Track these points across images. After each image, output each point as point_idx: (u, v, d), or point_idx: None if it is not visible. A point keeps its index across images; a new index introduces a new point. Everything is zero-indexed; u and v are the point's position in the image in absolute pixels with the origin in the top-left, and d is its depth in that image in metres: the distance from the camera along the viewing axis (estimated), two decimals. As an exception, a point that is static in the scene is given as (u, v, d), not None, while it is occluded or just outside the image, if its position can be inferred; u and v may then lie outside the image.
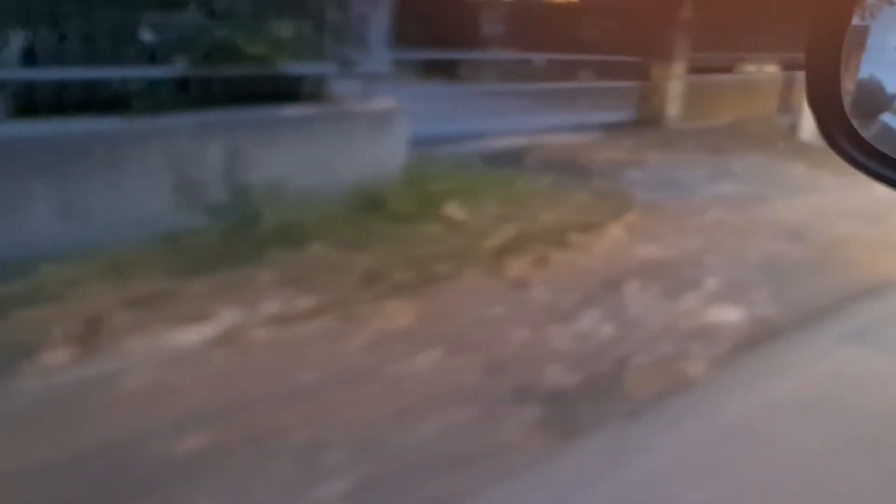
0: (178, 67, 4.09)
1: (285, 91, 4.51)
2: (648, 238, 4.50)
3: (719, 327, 3.27)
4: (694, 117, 8.52)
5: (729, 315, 3.39)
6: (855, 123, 0.68)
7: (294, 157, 4.42)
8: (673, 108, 8.59)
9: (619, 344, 3.05)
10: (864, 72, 0.67)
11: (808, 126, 7.53)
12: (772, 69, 9.70)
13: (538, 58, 11.20)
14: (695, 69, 8.71)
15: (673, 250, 4.33)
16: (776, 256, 4.30)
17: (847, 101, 0.68)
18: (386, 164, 4.81)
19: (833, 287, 3.82)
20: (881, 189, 0.68)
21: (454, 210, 4.53)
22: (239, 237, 3.76)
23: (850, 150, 0.68)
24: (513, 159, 6.27)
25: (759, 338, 3.19)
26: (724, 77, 9.42)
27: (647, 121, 8.42)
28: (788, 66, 9.03)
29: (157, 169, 3.92)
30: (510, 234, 4.28)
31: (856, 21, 0.67)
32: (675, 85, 8.65)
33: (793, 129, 7.98)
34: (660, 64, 8.60)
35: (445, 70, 10.32)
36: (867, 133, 0.68)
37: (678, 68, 8.62)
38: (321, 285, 3.35)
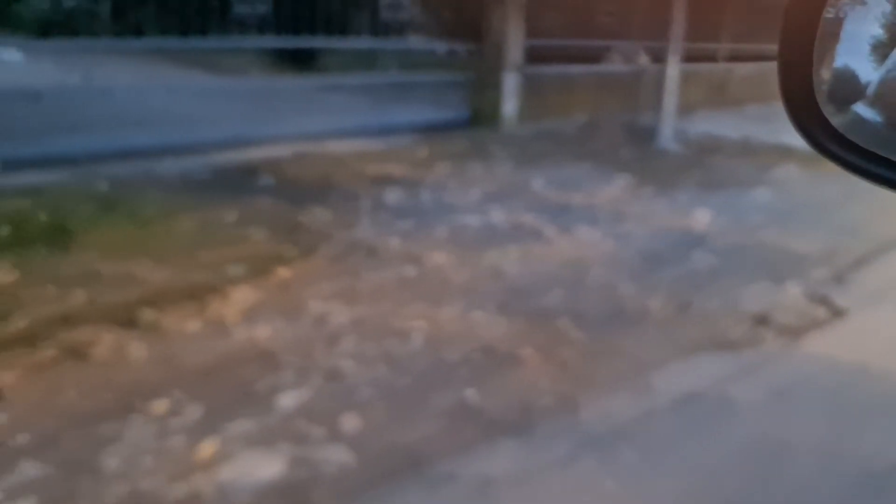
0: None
1: None
2: (275, 311, 3.20)
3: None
4: (538, 116, 7.42)
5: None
6: (828, 113, 0.68)
7: None
8: (510, 105, 7.42)
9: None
10: (839, 62, 0.68)
11: (668, 131, 7.31)
12: (643, 61, 8.59)
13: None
14: (539, 58, 7.55)
15: (290, 334, 2.98)
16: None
17: (822, 91, 0.68)
18: None
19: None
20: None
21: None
22: None
23: (824, 141, 0.69)
24: (243, 178, 4.97)
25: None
26: (575, 69, 8.17)
27: (480, 120, 7.32)
28: (659, 59, 7.94)
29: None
30: (57, 309, 2.97)
31: (829, 13, 0.67)
32: (511, 77, 7.38)
33: (651, 132, 7.39)
34: (493, 51, 7.30)
35: (306, 61, 8.47)
36: (840, 123, 0.68)
37: (514, 56, 7.32)
38: None
